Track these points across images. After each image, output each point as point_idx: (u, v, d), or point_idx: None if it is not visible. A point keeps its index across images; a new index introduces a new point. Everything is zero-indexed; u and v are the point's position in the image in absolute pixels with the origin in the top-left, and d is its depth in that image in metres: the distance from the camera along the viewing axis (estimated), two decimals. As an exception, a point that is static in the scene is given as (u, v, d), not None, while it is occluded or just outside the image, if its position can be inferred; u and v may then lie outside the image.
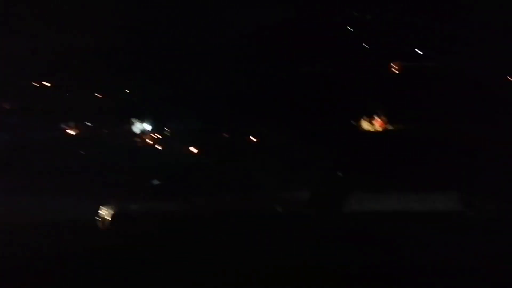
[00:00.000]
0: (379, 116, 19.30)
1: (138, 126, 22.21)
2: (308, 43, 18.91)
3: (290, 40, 18.54)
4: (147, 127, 20.99)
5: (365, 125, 19.53)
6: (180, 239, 9.62)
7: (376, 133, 18.95)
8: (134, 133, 21.84)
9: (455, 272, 7.21)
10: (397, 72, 20.45)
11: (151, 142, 19.88)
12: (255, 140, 18.64)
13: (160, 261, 8.82)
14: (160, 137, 20.24)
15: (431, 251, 8.12)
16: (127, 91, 19.53)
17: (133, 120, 21.84)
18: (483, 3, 17.08)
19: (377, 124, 19.63)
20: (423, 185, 12.43)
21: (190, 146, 18.54)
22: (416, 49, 19.73)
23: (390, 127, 19.25)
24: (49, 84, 21.87)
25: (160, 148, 19.08)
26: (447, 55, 18.57)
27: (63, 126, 22.20)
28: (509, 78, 17.97)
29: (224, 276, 7.93)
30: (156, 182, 10.53)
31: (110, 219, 10.05)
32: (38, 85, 21.58)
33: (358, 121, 19.63)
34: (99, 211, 10.26)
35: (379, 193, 12.40)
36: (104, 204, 10.33)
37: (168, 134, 20.41)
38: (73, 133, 21.43)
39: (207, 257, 8.75)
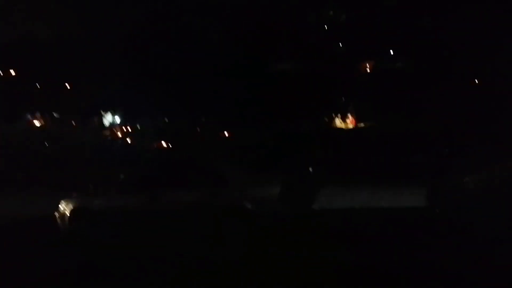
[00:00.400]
0: (351, 114, 19.15)
1: (108, 119, 21.45)
2: (282, 41, 18.56)
3: (264, 38, 18.16)
4: (117, 120, 20.27)
5: (337, 122, 19.37)
6: (145, 235, 9.00)
7: (347, 130, 18.78)
8: (103, 126, 21.08)
9: (426, 269, 6.84)
10: (369, 71, 20.35)
11: (120, 136, 19.19)
12: (226, 135, 18.23)
13: (122, 259, 8.17)
14: (129, 131, 19.56)
15: (401, 248, 7.75)
16: (98, 83, 18.70)
17: (103, 113, 21.05)
18: (453, 8, 17.12)
19: (349, 122, 19.48)
20: (393, 181, 12.27)
21: (160, 141, 17.98)
22: (388, 50, 19.69)
23: (361, 125, 19.13)
24: (14, 73, 20.90)
25: (128, 142, 18.42)
26: (417, 56, 18.55)
27: (28, 117, 21.26)
28: (476, 81, 18.13)
29: (190, 272, 7.35)
30: (122, 176, 9.84)
31: (69, 214, 9.31)
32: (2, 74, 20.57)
33: (330, 118, 19.43)
34: (58, 206, 9.50)
35: (350, 189, 12.14)
36: (64, 198, 9.57)
37: (138, 128, 19.75)
38: (38, 124, 20.51)
39: (173, 254, 8.17)
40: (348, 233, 8.84)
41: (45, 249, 8.73)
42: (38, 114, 20.04)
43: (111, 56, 18.00)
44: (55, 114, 19.84)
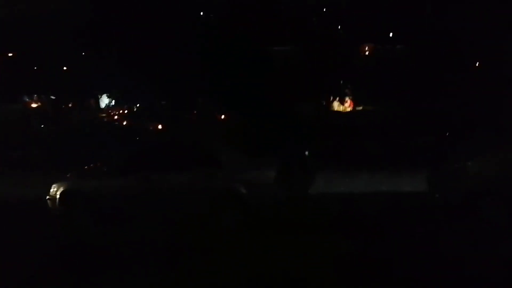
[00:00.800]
0: (349, 98, 18.80)
1: (104, 101, 21.07)
2: (280, 22, 18.05)
3: (262, 19, 17.63)
4: (112, 102, 19.89)
5: (336, 106, 19.03)
6: (137, 217, 8.70)
7: (346, 114, 18.45)
8: (99, 108, 20.73)
9: (425, 254, 6.55)
10: (368, 54, 19.91)
11: (115, 118, 18.83)
12: (222, 117, 17.86)
13: (114, 241, 7.92)
14: (125, 112, 19.19)
15: (400, 233, 7.49)
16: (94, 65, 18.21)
17: (99, 95, 20.66)
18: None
19: (347, 106, 19.14)
20: (392, 166, 11.97)
21: (155, 122, 17.60)
22: (388, 32, 19.21)
23: (360, 109, 18.79)
24: (11, 55, 20.44)
25: (123, 124, 18.04)
26: (418, 38, 18.07)
27: (25, 98, 20.86)
28: (478, 63, 17.73)
29: (183, 254, 7.06)
30: (115, 158, 9.48)
31: (60, 197, 8.96)
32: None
33: (328, 101, 19.06)
34: (49, 188, 9.15)
35: (348, 173, 11.84)
36: (56, 180, 9.22)
37: (134, 110, 19.38)
38: (35, 105, 20.12)
39: (166, 236, 7.91)
40: (346, 218, 8.57)
41: (35, 231, 8.49)
42: (34, 96, 19.66)
43: (107, 36, 17.53)
44: (51, 96, 19.44)
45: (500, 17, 15.66)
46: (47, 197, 9.12)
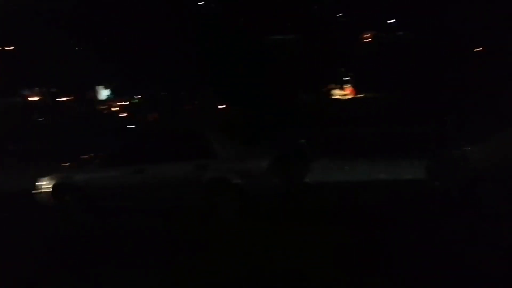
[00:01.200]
0: (350, 85, 18.58)
1: (104, 93, 20.88)
2: (279, 10, 17.73)
3: (260, 8, 17.32)
4: (111, 93, 19.70)
5: (336, 92, 18.82)
6: (131, 209, 8.52)
7: (345, 101, 18.23)
8: (98, 100, 20.56)
9: (425, 243, 6.35)
10: (369, 41, 19.63)
11: (113, 109, 18.68)
12: (220, 107, 17.63)
13: (107, 233, 7.75)
14: (124, 104, 19.01)
15: (399, 223, 7.24)
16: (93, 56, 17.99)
17: (98, 87, 20.47)
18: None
19: (347, 93, 18.92)
20: (391, 153, 11.74)
21: (153, 113, 17.42)
22: (389, 19, 18.89)
23: (359, 96, 18.56)
24: (11, 48, 20.29)
25: (121, 116, 17.89)
26: (420, 25, 17.72)
27: (24, 92, 20.71)
28: (477, 49, 17.41)
29: (177, 247, 6.85)
30: (108, 149, 9.27)
31: (53, 190, 8.78)
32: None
33: (327, 89, 18.84)
34: (43, 181, 8.98)
35: (346, 162, 11.61)
36: (49, 173, 9.03)
37: (133, 102, 19.19)
38: (35, 99, 19.97)
39: (160, 228, 7.68)
40: (344, 207, 8.37)
41: (33, 223, 8.39)
42: (35, 89, 19.50)
43: (106, 28, 17.31)
44: (50, 89, 19.26)
45: (501, 3, 15.31)
46: (41, 189, 8.94)
